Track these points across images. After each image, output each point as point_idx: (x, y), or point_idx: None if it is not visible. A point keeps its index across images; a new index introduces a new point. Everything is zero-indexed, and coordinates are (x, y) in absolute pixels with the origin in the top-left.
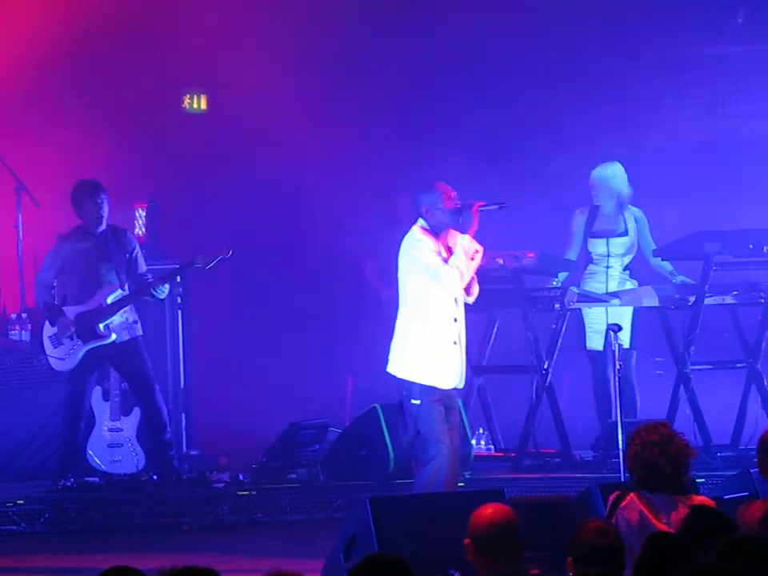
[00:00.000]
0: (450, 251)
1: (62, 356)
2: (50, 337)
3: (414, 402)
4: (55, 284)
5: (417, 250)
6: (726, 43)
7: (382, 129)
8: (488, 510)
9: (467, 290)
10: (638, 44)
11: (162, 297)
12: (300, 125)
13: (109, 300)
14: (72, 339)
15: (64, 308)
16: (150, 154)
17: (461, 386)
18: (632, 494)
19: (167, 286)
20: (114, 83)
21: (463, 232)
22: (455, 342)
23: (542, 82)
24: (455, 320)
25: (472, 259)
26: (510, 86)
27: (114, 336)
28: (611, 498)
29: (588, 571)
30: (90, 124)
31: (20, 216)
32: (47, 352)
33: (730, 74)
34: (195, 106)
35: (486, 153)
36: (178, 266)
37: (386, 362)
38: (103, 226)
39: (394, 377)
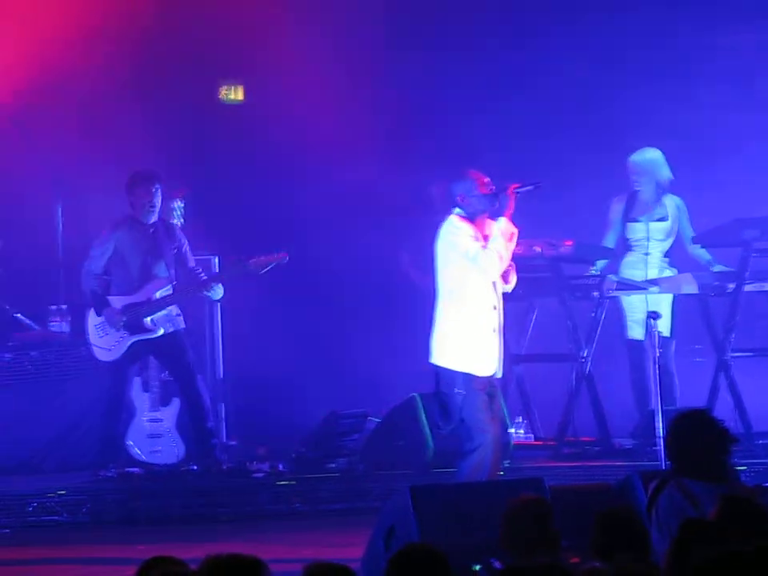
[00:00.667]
0: (485, 239)
1: (108, 346)
2: (95, 326)
3: (458, 391)
4: (101, 272)
5: (455, 236)
6: (762, 30)
7: (412, 121)
8: (519, 501)
9: (505, 278)
10: (674, 30)
11: (216, 297)
12: (334, 116)
13: (158, 294)
14: (118, 330)
15: (111, 298)
16: (187, 145)
17: (499, 374)
18: (672, 482)
19: (221, 286)
20: (151, 73)
21: (499, 216)
22: (494, 330)
23: (574, 68)
24: (494, 307)
25: (509, 241)
26: (542, 71)
27: (161, 330)
28: (651, 485)
29: (609, 557)
30: (127, 115)
31: (59, 208)
32: (92, 341)
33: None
34: (232, 96)
35: (518, 141)
36: (232, 267)
37: (422, 350)
38: (155, 217)
39: (435, 366)
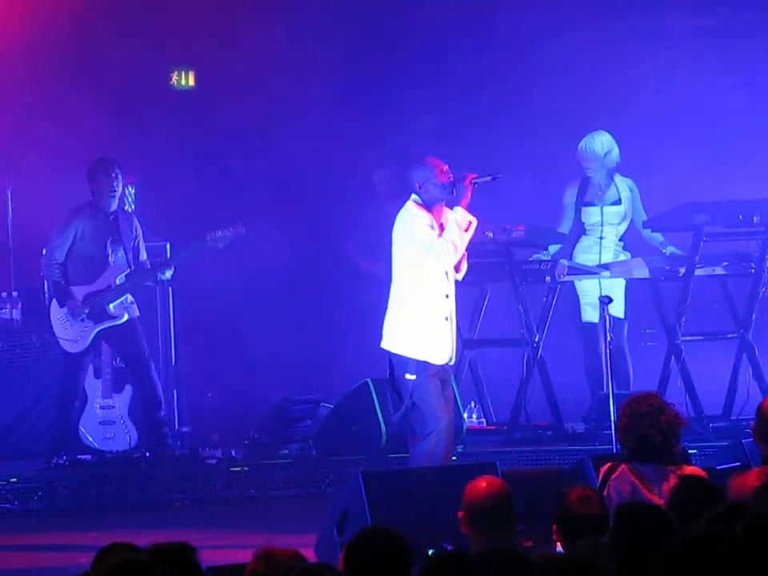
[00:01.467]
0: (441, 227)
1: (74, 338)
2: (59, 318)
3: (409, 377)
4: (62, 261)
5: (411, 223)
6: (713, 15)
7: (368, 102)
8: (482, 483)
9: (456, 267)
10: (625, 13)
11: (166, 278)
12: (287, 101)
13: (118, 280)
14: (83, 321)
15: (74, 288)
16: (138, 132)
17: (452, 362)
18: (623, 466)
19: (172, 269)
20: (101, 60)
21: (456, 205)
22: (447, 318)
23: (526, 52)
24: (447, 296)
25: (466, 231)
26: (496, 56)
27: (126, 316)
28: (603, 469)
29: (572, 540)
30: (77, 101)
31: (9, 194)
32: (57, 334)
33: (716, 45)
34: (183, 82)
35: (474, 127)
36: (190, 246)
37: (374, 336)
38: (116, 204)
39: (388, 352)
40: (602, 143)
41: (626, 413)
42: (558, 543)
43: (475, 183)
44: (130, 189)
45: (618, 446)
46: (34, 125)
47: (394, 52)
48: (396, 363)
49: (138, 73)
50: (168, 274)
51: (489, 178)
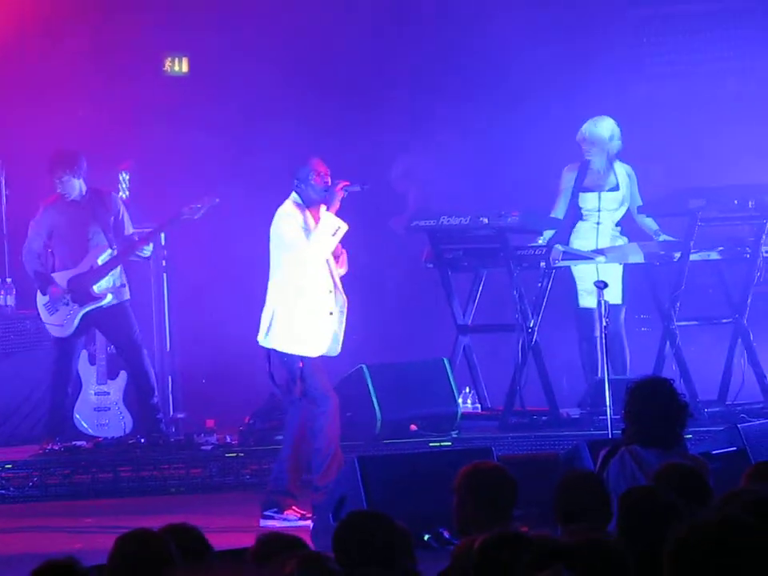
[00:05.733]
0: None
1: (60, 322)
2: (44, 305)
3: (293, 367)
4: (43, 251)
5: (285, 222)
6: (709, 1)
7: (366, 92)
8: (491, 466)
9: (336, 261)
10: (622, 0)
11: (146, 255)
12: (280, 88)
13: (99, 261)
14: (68, 305)
15: (55, 274)
16: (132, 117)
17: (335, 353)
18: (623, 449)
19: (151, 244)
20: (95, 46)
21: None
22: (331, 312)
23: (522, 39)
24: (330, 291)
25: (333, 235)
26: (493, 42)
27: (110, 296)
28: (602, 452)
29: (574, 525)
30: (71, 88)
31: (2, 180)
32: (44, 320)
33: (711, 30)
34: (177, 68)
35: (472, 113)
36: (164, 222)
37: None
38: (76, 195)
39: (265, 348)
40: (606, 128)
41: (635, 396)
42: (559, 527)
43: (345, 190)
44: (124, 175)
45: (614, 432)
46: (27, 111)
47: (396, 39)
48: (274, 358)
49: (131, 59)
50: (147, 250)
51: (357, 187)
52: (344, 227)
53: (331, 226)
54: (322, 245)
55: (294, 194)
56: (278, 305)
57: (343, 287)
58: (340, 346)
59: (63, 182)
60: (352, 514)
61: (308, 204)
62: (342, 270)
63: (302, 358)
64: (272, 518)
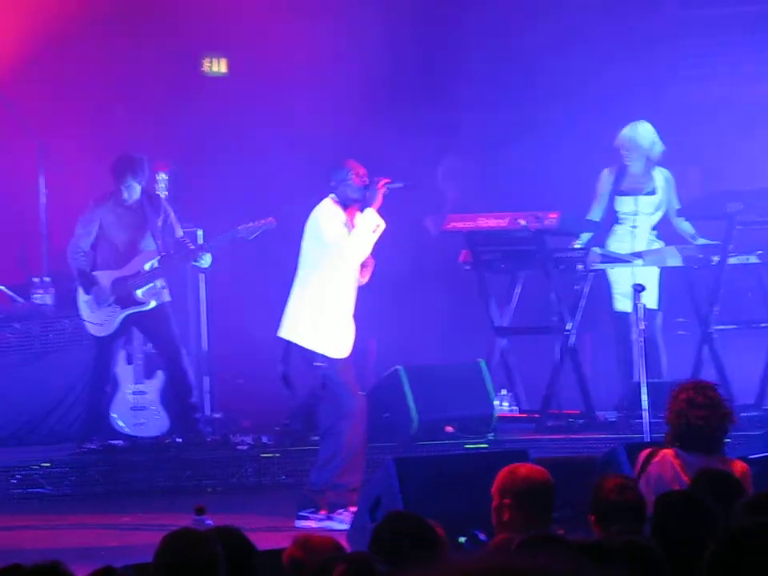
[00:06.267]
0: (354, 227)
1: (100, 321)
2: (86, 302)
3: (317, 364)
4: (88, 249)
5: (324, 220)
6: (744, 3)
7: (400, 93)
8: (531, 468)
9: (361, 271)
10: (657, 3)
11: (205, 266)
12: (319, 86)
13: (146, 267)
14: (110, 305)
15: (100, 272)
16: (170, 118)
17: (346, 356)
18: (666, 450)
19: (210, 256)
20: (134, 47)
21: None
22: (346, 316)
23: (559, 42)
24: (349, 295)
25: (373, 232)
26: (530, 46)
27: (153, 303)
28: (643, 454)
29: (610, 528)
30: (111, 88)
31: (42, 179)
32: (84, 317)
33: (747, 32)
34: (215, 69)
35: (510, 115)
36: (221, 235)
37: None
38: (137, 195)
39: (287, 341)
40: (646, 133)
41: (682, 399)
42: (595, 532)
43: (388, 187)
44: (163, 175)
45: (658, 431)
46: (67, 110)
47: (435, 40)
48: (296, 353)
49: (170, 59)
50: (207, 260)
51: (400, 184)
52: (383, 225)
53: (372, 223)
54: (363, 242)
55: (331, 195)
56: (306, 301)
57: (368, 292)
58: (351, 349)
59: (128, 188)
60: (392, 515)
61: (346, 204)
62: (364, 280)
63: (325, 358)
64: (308, 518)
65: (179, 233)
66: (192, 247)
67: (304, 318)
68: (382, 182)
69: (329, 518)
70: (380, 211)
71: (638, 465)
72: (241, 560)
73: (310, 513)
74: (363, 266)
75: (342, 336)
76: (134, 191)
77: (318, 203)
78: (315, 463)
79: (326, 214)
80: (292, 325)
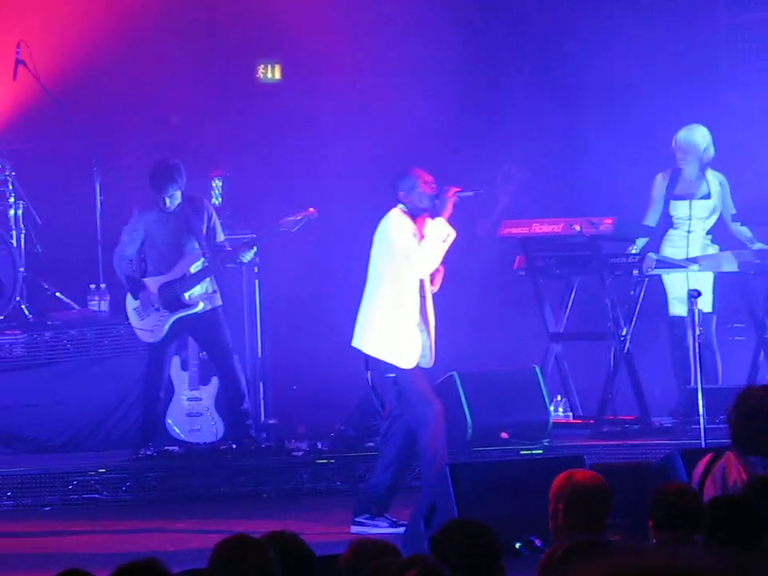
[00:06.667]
0: (423, 237)
1: (150, 328)
2: (134, 309)
3: (388, 375)
4: (135, 257)
5: (394, 230)
6: None
7: (451, 99)
8: (586, 474)
9: (432, 280)
10: (715, 6)
11: (246, 260)
12: (373, 92)
13: (192, 269)
14: (158, 311)
15: (147, 279)
16: (225, 125)
17: (427, 366)
18: (729, 453)
19: (254, 249)
20: (189, 53)
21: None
22: (418, 327)
23: (616, 45)
24: (420, 305)
25: (444, 242)
26: (585, 48)
27: (201, 305)
28: (705, 458)
29: (670, 535)
30: (165, 94)
31: (98, 187)
32: (133, 324)
33: None
34: (270, 75)
35: (563, 120)
36: (263, 233)
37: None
38: (177, 200)
39: (363, 353)
40: (700, 136)
41: (749, 404)
42: (654, 539)
43: (458, 196)
44: (217, 182)
45: (716, 436)
46: (122, 118)
47: (490, 47)
48: (373, 364)
49: (224, 66)
50: (248, 256)
51: (471, 193)
52: (453, 234)
53: (443, 232)
54: (433, 252)
55: (400, 205)
56: (376, 311)
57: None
58: (433, 359)
59: (171, 197)
60: (453, 522)
61: (415, 213)
62: (435, 288)
63: (397, 369)
64: (363, 524)
65: (220, 237)
66: (229, 249)
67: (373, 328)
68: (452, 191)
69: (385, 524)
70: (449, 220)
71: (702, 467)
72: (299, 565)
73: (365, 519)
74: (433, 274)
75: (411, 346)
76: (175, 199)
77: (385, 214)
78: (375, 468)
79: (395, 225)
80: (362, 335)
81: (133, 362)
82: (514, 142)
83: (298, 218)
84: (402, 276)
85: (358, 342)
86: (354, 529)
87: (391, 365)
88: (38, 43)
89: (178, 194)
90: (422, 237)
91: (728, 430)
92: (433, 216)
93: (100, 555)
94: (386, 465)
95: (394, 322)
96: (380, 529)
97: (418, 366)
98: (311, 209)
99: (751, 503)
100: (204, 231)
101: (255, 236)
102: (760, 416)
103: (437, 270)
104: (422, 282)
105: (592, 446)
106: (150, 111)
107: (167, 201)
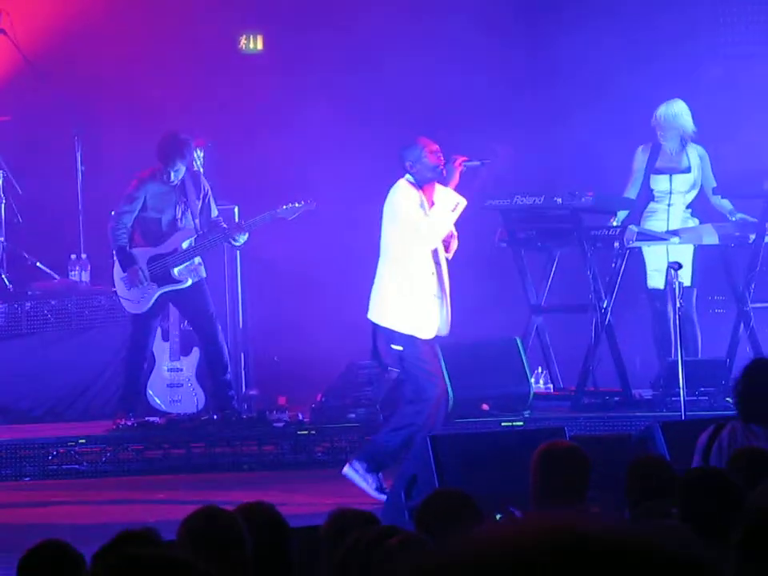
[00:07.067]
0: (433, 205)
1: (136, 299)
2: (122, 278)
3: (395, 347)
4: (130, 226)
5: (400, 202)
6: None
7: (434, 78)
8: (567, 445)
9: (446, 246)
10: None
11: (239, 243)
12: (353, 65)
13: (184, 245)
14: (145, 282)
15: (138, 249)
16: (207, 94)
17: (444, 333)
18: (735, 422)
19: (247, 234)
20: (169, 25)
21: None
22: (434, 295)
23: (595, 19)
24: (432, 273)
25: (453, 211)
26: (563, 23)
27: (189, 281)
28: (709, 429)
29: (643, 506)
30: (147, 65)
31: (79, 157)
32: (120, 294)
33: None
34: (251, 46)
35: (545, 96)
36: (259, 216)
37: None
38: (182, 175)
39: (374, 323)
40: (679, 110)
41: (756, 380)
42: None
43: (465, 165)
44: (199, 152)
45: (687, 413)
46: (103, 88)
47: (485, 32)
48: (381, 334)
49: (206, 37)
50: (242, 239)
51: (478, 162)
52: (463, 202)
53: (452, 202)
54: (443, 220)
55: (407, 175)
56: (389, 282)
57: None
58: (449, 326)
59: (176, 171)
60: (437, 492)
61: (422, 183)
62: (449, 255)
63: (412, 340)
64: (357, 471)
65: (214, 212)
66: (225, 227)
67: (385, 298)
68: (459, 160)
69: (374, 484)
70: (457, 189)
71: (705, 436)
72: (271, 537)
73: (362, 467)
74: (447, 240)
75: (426, 315)
76: (180, 173)
77: (393, 185)
78: (387, 425)
79: (402, 196)
80: (375, 305)
81: (114, 333)
82: (495, 119)
83: (297, 206)
84: (413, 246)
85: (374, 315)
86: (347, 471)
87: (403, 334)
88: (19, 12)
89: (183, 168)
90: (432, 205)
91: (733, 399)
92: (446, 183)
93: (79, 526)
94: (399, 426)
95: (409, 293)
96: (367, 485)
97: (435, 337)
98: (312, 200)
99: (726, 477)
100: (199, 207)
101: (244, 218)
102: (765, 387)
103: (451, 236)
104: (435, 250)
105: (573, 417)
106: (132, 83)
107: (172, 174)
